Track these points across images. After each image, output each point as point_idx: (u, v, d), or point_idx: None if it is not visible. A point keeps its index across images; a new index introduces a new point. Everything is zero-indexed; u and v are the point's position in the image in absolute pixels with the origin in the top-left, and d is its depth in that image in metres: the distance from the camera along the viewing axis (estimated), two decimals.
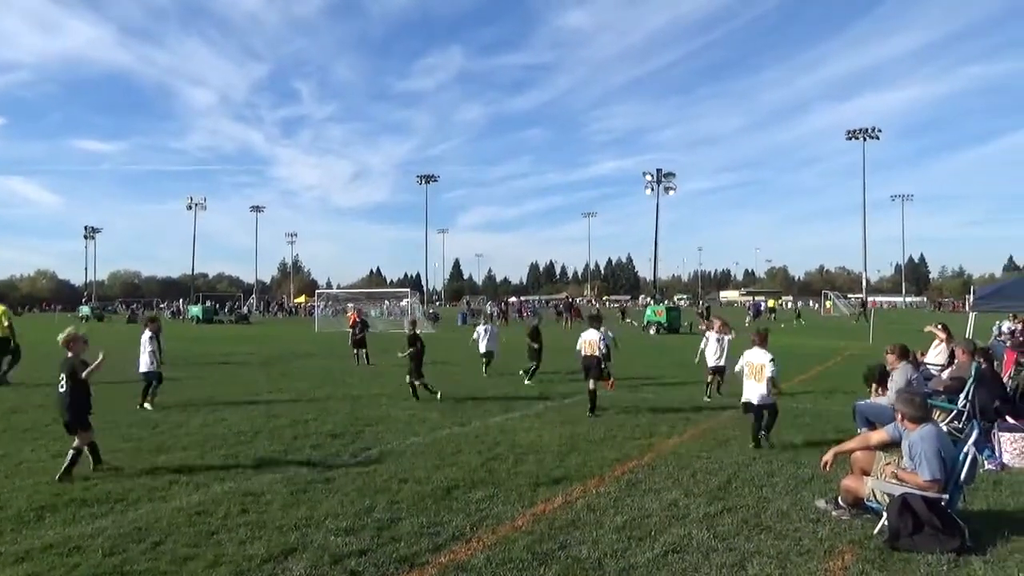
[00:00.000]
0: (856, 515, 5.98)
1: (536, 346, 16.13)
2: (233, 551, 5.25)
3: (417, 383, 12.92)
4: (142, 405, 11.90)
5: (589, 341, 11.50)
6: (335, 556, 5.16)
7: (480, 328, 17.70)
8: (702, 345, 13.21)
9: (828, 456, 6.18)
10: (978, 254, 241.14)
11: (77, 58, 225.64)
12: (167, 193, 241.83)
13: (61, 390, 7.47)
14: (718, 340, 12.97)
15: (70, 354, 7.60)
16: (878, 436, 6.22)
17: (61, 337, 7.70)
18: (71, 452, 7.27)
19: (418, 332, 13.57)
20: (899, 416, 5.85)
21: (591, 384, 11.19)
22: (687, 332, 37.64)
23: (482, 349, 17.36)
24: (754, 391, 8.83)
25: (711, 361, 12.99)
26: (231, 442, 9.15)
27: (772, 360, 8.77)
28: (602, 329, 11.83)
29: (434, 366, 19.19)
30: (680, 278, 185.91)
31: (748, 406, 8.89)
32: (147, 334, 12.33)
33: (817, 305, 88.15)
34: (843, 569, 5.00)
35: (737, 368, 9.30)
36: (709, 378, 12.98)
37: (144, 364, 12.18)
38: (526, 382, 15.17)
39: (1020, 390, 9.53)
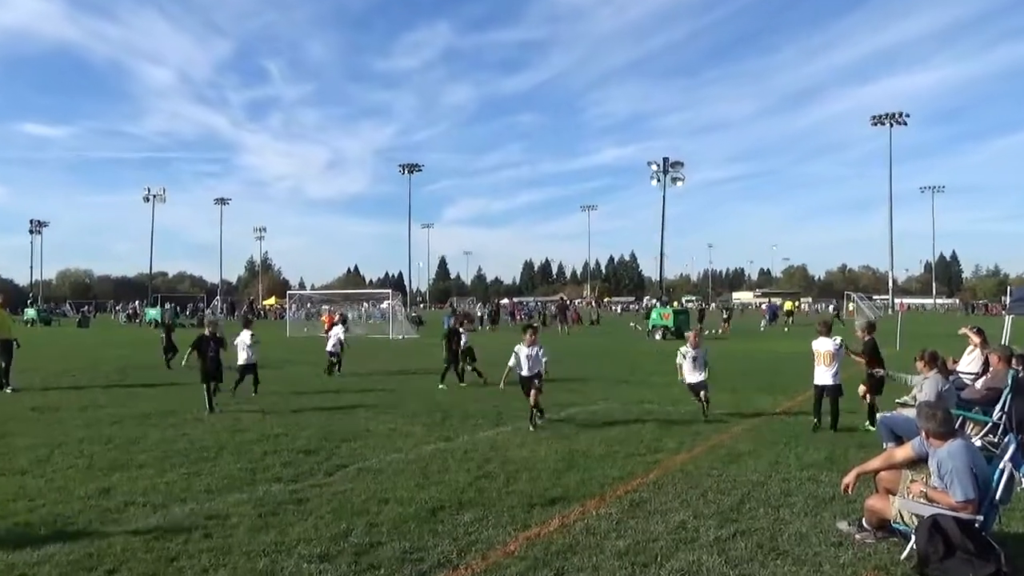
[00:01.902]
0: (881, 538, 6.00)
1: (455, 348, 17.28)
2: None
3: (207, 387, 13.05)
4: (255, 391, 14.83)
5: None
6: None
7: (336, 329, 20.34)
8: (679, 360, 12.55)
9: (850, 477, 6.18)
10: (1016, 252, 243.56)
11: (20, 32, 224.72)
12: (121, 183, 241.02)
13: None
14: (695, 358, 12.36)
15: None
16: (903, 453, 6.24)
17: None
18: None
19: (217, 333, 13.73)
20: (923, 433, 5.86)
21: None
22: None
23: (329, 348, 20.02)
24: (823, 375, 11.16)
25: (689, 378, 12.37)
26: (193, 459, 9.11)
27: (839, 347, 11.20)
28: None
29: (417, 376, 19.20)
30: (689, 278, 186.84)
31: (817, 388, 11.24)
32: (249, 333, 15.14)
33: (831, 307, 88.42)
34: None
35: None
36: (701, 395, 12.25)
37: (244, 358, 14.91)
38: (440, 386, 16.48)
39: None
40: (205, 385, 13.05)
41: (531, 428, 11.14)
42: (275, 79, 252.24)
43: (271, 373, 19.43)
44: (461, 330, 18.11)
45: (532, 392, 11.39)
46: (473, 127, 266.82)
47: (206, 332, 13.74)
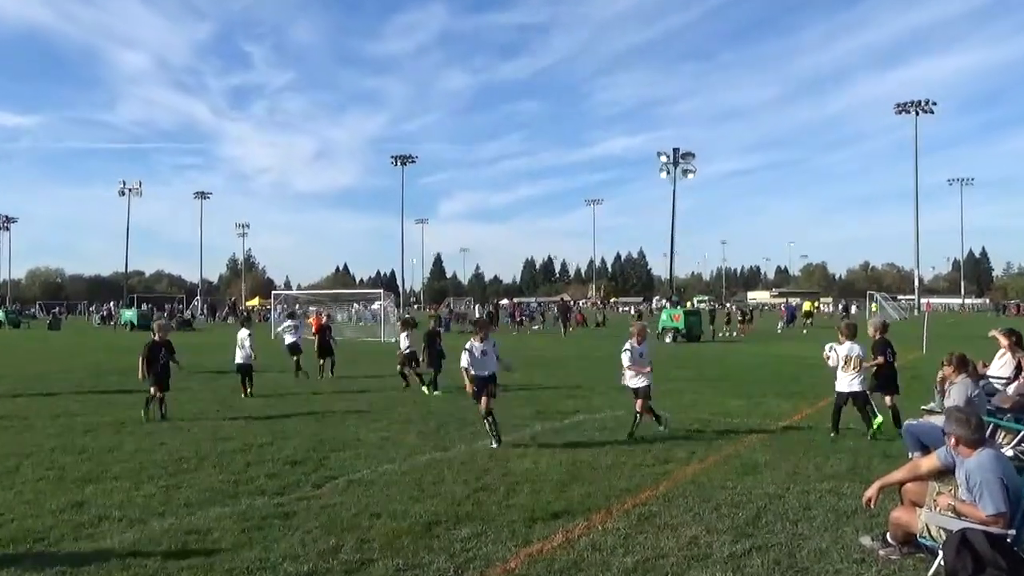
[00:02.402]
0: (907, 554, 6.01)
1: (438, 350, 17.60)
2: None
3: (159, 396, 13.22)
4: (247, 394, 16.11)
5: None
6: None
7: (288, 323, 21.29)
8: (626, 361, 11.43)
9: (872, 491, 6.18)
10: None
11: None
12: (95, 176, 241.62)
13: None
14: (638, 353, 11.46)
15: None
16: (928, 463, 6.24)
17: None
18: None
19: (168, 339, 14.03)
20: (951, 440, 5.86)
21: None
22: (708, 340, 37.76)
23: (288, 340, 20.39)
24: (847, 381, 11.26)
25: (632, 381, 11.44)
26: (171, 470, 9.12)
27: (862, 347, 11.34)
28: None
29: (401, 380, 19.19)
30: (701, 277, 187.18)
31: (840, 395, 11.32)
32: (246, 332, 16.94)
33: (853, 308, 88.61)
34: None
35: (831, 363, 11.46)
36: (639, 405, 11.31)
37: (241, 357, 16.54)
38: (426, 391, 16.63)
39: None
40: (153, 389, 13.12)
41: (493, 444, 10.46)
42: (258, 64, 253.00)
43: (255, 377, 19.46)
44: (440, 330, 18.48)
45: (483, 398, 10.68)
46: (470, 116, 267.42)
47: (156, 337, 13.77)
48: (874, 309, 75.01)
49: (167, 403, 13.23)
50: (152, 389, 13.13)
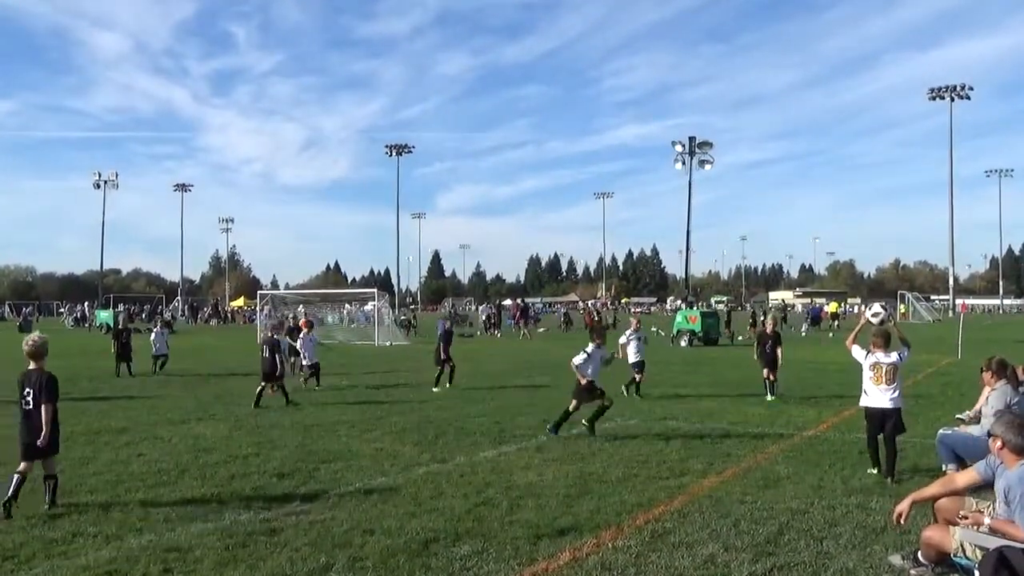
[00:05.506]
0: (940, 574, 6.00)
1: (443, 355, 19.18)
2: None
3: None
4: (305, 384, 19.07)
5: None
6: None
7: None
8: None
9: (903, 506, 6.17)
10: None
11: None
12: (67, 166, 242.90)
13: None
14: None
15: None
16: (966, 477, 6.23)
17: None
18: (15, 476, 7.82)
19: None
20: (997, 444, 5.81)
21: None
22: (727, 343, 37.73)
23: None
24: (879, 396, 9.49)
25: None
26: (150, 483, 9.15)
27: (902, 360, 9.55)
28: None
29: (407, 388, 19.21)
30: (719, 275, 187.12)
31: (872, 412, 9.62)
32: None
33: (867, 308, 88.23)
34: None
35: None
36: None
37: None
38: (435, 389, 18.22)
39: None
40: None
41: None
42: (242, 47, 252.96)
43: (238, 383, 19.52)
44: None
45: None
46: (471, 102, 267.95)
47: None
48: (903, 310, 74.91)
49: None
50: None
